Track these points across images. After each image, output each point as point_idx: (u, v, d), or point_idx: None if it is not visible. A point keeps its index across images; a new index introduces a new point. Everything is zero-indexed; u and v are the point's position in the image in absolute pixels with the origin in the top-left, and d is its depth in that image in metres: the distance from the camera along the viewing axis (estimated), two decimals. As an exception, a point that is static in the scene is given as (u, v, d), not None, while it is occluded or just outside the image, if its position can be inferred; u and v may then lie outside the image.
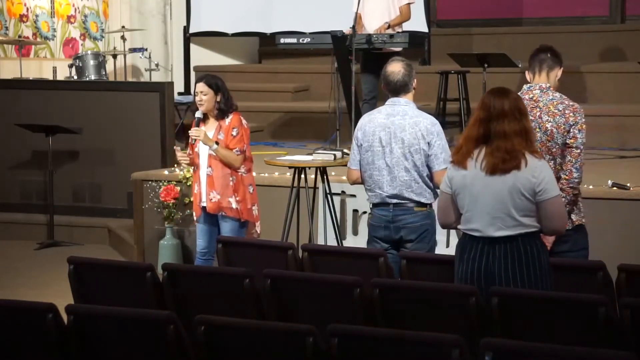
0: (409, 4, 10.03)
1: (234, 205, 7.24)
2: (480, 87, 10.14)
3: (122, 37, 12.13)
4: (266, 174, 8.85)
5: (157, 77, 12.29)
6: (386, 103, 6.40)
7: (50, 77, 11.87)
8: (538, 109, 5.81)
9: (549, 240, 5.63)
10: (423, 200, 6.29)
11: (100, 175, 10.68)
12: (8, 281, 8.76)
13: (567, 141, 5.79)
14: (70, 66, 11.57)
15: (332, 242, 7.84)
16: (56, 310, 4.66)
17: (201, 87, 7.26)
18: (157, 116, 10.43)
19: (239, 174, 7.28)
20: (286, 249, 6.06)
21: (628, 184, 7.80)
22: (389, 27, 9.86)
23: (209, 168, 7.28)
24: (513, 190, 5.00)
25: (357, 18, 9.75)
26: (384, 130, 6.29)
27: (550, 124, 5.77)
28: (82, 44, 12.91)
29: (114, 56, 12.22)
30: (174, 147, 7.59)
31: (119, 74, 12.39)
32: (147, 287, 5.43)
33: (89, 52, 11.89)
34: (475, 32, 12.73)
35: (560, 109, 5.81)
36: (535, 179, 4.99)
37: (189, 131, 7.34)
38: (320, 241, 7.94)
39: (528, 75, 6.00)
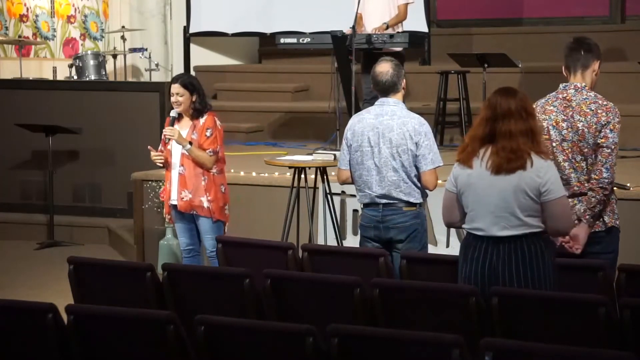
0: (406, 3, 10.03)
1: (205, 205, 7.26)
2: (480, 87, 10.14)
3: (122, 37, 12.13)
4: (266, 174, 8.85)
5: (157, 77, 12.28)
6: (375, 103, 6.44)
7: (50, 77, 11.87)
8: (570, 109, 5.72)
9: (579, 242, 5.62)
10: (412, 199, 6.30)
11: (100, 175, 10.68)
12: (8, 281, 8.76)
13: (598, 141, 5.67)
14: (70, 66, 11.57)
15: (332, 242, 7.84)
16: (56, 310, 4.66)
17: (177, 88, 7.26)
18: (157, 116, 10.42)
19: (211, 173, 7.30)
20: (286, 249, 6.06)
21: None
22: (387, 27, 9.86)
23: (181, 167, 7.30)
24: (518, 190, 4.99)
25: (358, 18, 9.75)
26: (372, 131, 6.30)
27: (581, 123, 5.68)
28: (82, 44, 12.91)
29: (114, 56, 12.23)
30: (148, 146, 7.55)
31: (119, 74, 12.39)
32: (147, 287, 5.43)
33: (89, 52, 11.89)
34: (475, 32, 12.73)
35: (593, 108, 5.71)
36: (540, 179, 4.98)
37: (163, 130, 7.35)
38: (320, 241, 7.94)
39: (565, 72, 5.90)
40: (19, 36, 12.39)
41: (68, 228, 10.45)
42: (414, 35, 10.35)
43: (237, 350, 4.43)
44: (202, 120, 7.29)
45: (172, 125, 7.29)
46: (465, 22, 13.13)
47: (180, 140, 7.22)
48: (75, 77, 11.45)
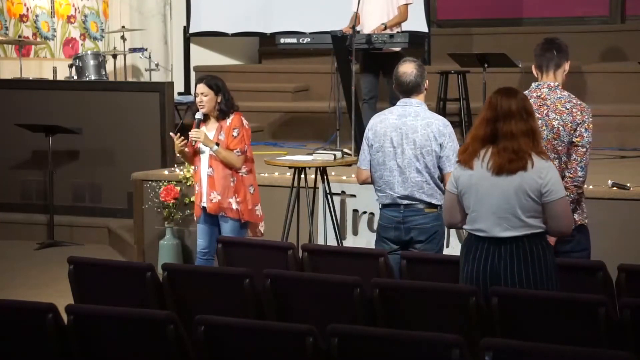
0: (407, 4, 10.03)
1: (234, 206, 7.24)
2: (480, 87, 10.14)
3: (122, 37, 12.13)
4: (266, 174, 8.85)
5: (157, 77, 12.28)
6: (398, 103, 6.36)
7: (50, 77, 11.87)
8: (545, 107, 5.77)
9: (551, 240, 5.63)
10: (434, 201, 6.26)
11: (100, 175, 10.68)
12: (8, 281, 8.76)
13: (574, 140, 5.74)
14: (70, 66, 11.57)
15: (332, 242, 7.84)
16: (56, 310, 4.66)
17: (202, 88, 7.24)
18: (157, 116, 10.43)
19: (240, 174, 7.27)
20: (286, 249, 6.06)
21: (628, 184, 7.80)
22: (385, 28, 9.86)
23: (209, 168, 7.27)
24: (519, 191, 4.99)
25: (357, 18, 9.73)
26: (395, 131, 6.26)
27: (557, 121, 5.73)
28: (82, 44, 12.91)
29: (114, 56, 12.22)
30: (170, 133, 7.48)
31: (119, 74, 12.39)
32: (147, 287, 5.43)
33: (89, 52, 11.89)
34: (475, 32, 12.73)
35: (568, 107, 5.77)
36: (542, 180, 4.98)
37: (189, 132, 7.32)
38: (320, 241, 7.94)
39: (535, 71, 5.94)
40: (19, 36, 12.39)
41: (68, 228, 10.45)
42: (414, 35, 10.35)
43: (237, 350, 4.43)
44: (228, 121, 7.26)
45: (198, 127, 7.25)
46: (465, 22, 13.13)
47: (207, 141, 7.19)
48: (75, 77, 11.45)
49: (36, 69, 12.53)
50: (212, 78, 7.37)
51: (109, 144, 10.65)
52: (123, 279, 5.63)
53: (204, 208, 7.31)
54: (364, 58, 9.97)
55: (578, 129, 5.75)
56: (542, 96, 5.82)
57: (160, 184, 9.19)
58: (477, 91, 10.31)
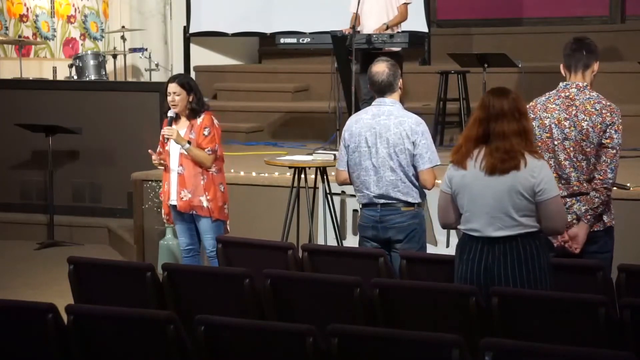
0: (406, 3, 10.03)
1: (204, 204, 7.28)
2: (480, 87, 10.14)
3: (122, 37, 12.13)
4: (266, 174, 8.85)
5: (157, 77, 12.29)
6: (373, 103, 6.45)
7: (50, 77, 11.88)
8: (574, 107, 5.71)
9: (579, 242, 5.62)
10: (410, 199, 6.30)
11: (100, 175, 10.68)
12: (8, 281, 8.76)
13: (603, 141, 5.68)
14: (70, 66, 11.57)
15: (332, 242, 7.84)
16: (56, 310, 4.66)
17: (174, 87, 7.29)
18: (157, 116, 10.41)
19: (210, 173, 7.32)
20: (286, 249, 6.06)
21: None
22: (387, 28, 9.86)
23: (180, 167, 7.32)
24: (512, 191, 5.00)
25: (356, 18, 9.72)
26: (369, 131, 6.31)
27: (586, 122, 5.67)
28: (82, 44, 12.92)
29: (114, 56, 12.23)
30: (149, 150, 7.54)
31: (119, 74, 12.39)
32: (147, 287, 5.43)
33: (89, 52, 11.90)
34: (475, 32, 12.73)
35: (598, 108, 5.70)
36: (535, 179, 4.99)
37: (162, 130, 7.37)
38: (320, 241, 7.94)
39: (563, 71, 5.89)
40: (19, 36, 12.39)
41: (68, 228, 10.45)
42: (414, 35, 10.35)
43: (237, 350, 4.43)
44: (199, 120, 7.32)
45: (170, 125, 7.31)
46: (465, 22, 13.13)
47: (179, 139, 7.24)
48: (75, 77, 11.46)
49: (36, 69, 12.54)
50: (184, 77, 7.50)
51: (109, 144, 10.65)
52: (123, 279, 5.63)
53: (174, 206, 7.34)
54: (363, 58, 9.97)
55: (608, 130, 5.69)
56: (570, 96, 5.74)
57: (160, 184, 9.18)
58: (477, 91, 10.31)
